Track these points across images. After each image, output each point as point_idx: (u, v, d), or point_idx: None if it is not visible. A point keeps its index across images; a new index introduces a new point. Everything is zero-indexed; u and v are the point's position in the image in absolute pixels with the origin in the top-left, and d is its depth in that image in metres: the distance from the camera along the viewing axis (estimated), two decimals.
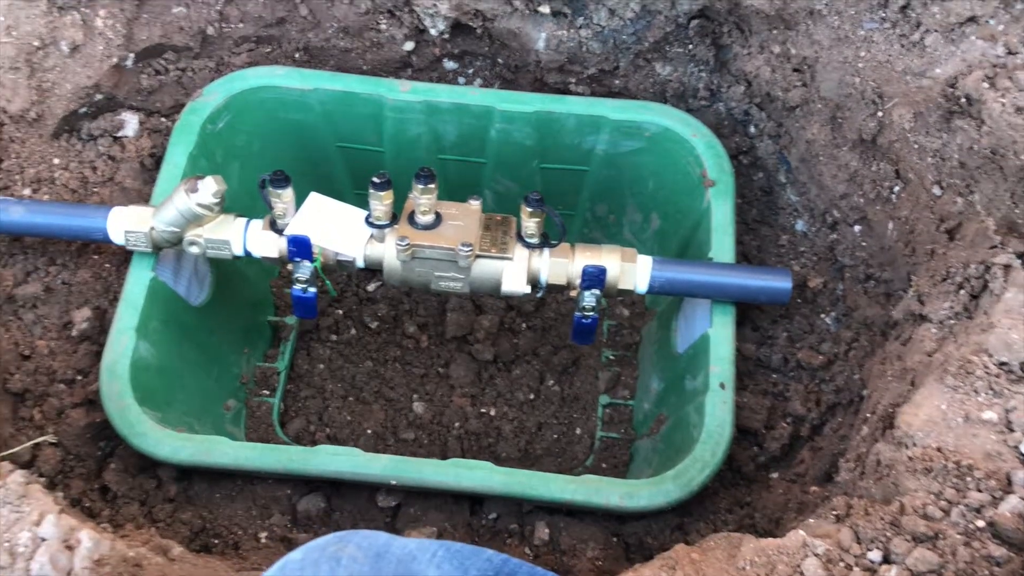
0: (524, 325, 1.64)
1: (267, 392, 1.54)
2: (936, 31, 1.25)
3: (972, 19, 1.21)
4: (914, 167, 1.29)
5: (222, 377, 1.49)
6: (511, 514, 1.29)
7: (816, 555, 0.85)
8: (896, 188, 1.34)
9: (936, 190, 1.26)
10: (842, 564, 0.84)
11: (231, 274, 1.50)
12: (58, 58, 1.42)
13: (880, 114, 1.33)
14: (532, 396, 1.58)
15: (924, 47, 1.26)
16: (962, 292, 1.11)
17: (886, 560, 0.84)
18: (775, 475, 1.31)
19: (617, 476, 1.45)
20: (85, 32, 1.43)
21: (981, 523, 0.85)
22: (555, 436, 1.55)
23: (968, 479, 0.89)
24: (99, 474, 1.28)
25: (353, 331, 1.63)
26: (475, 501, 1.31)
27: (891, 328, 1.28)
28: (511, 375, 1.60)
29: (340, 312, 1.64)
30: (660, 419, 1.42)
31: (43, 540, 0.89)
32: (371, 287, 1.67)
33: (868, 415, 1.15)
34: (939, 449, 0.92)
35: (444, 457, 1.48)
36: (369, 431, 1.54)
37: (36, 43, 1.39)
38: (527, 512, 1.29)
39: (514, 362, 1.61)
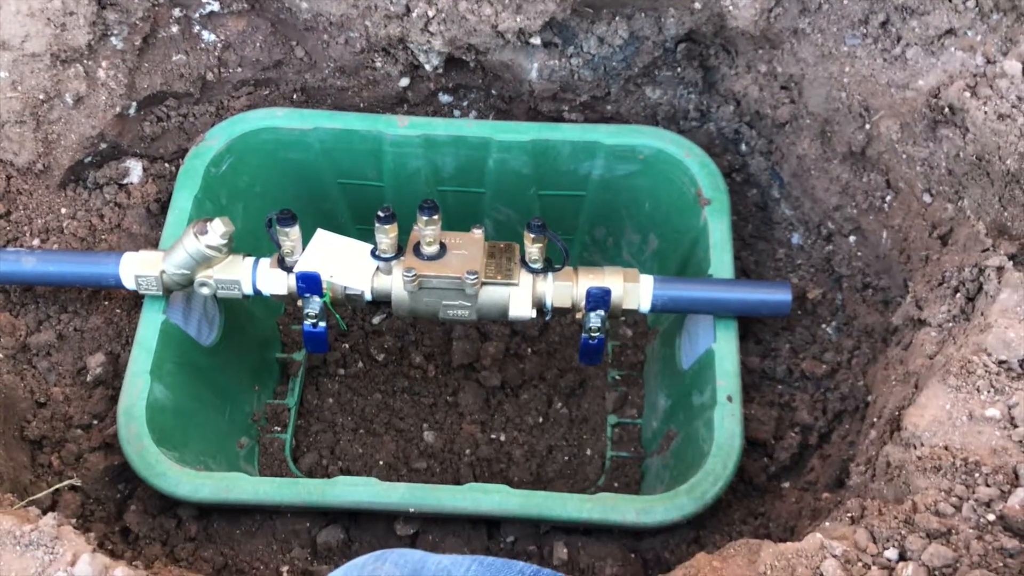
0: (530, 350, 1.66)
1: (278, 428, 1.56)
2: (916, 44, 1.29)
3: (950, 31, 1.25)
4: (904, 176, 1.32)
5: (234, 415, 1.51)
6: (528, 536, 1.30)
7: (834, 556, 0.86)
8: (888, 198, 1.37)
9: (927, 198, 1.30)
10: (860, 564, 0.86)
11: (239, 313, 1.53)
12: (62, 110, 1.45)
13: (868, 126, 1.37)
14: (541, 420, 1.60)
15: (906, 60, 1.30)
16: (958, 295, 1.14)
17: (902, 557, 0.86)
18: (786, 484, 1.33)
19: (630, 495, 1.47)
20: (88, 83, 1.46)
21: (992, 517, 0.88)
22: (566, 458, 1.57)
23: (976, 475, 0.92)
24: (119, 517, 1.29)
25: (360, 364, 1.65)
26: (492, 525, 1.32)
27: (891, 334, 1.31)
28: (519, 400, 1.62)
29: (347, 346, 1.66)
30: (669, 435, 1.44)
31: None
32: (376, 320, 1.69)
33: (875, 419, 1.17)
34: (946, 447, 0.95)
35: (458, 484, 1.50)
36: (381, 462, 1.55)
37: (41, 96, 1.42)
38: (544, 533, 1.30)
39: (521, 387, 1.63)
